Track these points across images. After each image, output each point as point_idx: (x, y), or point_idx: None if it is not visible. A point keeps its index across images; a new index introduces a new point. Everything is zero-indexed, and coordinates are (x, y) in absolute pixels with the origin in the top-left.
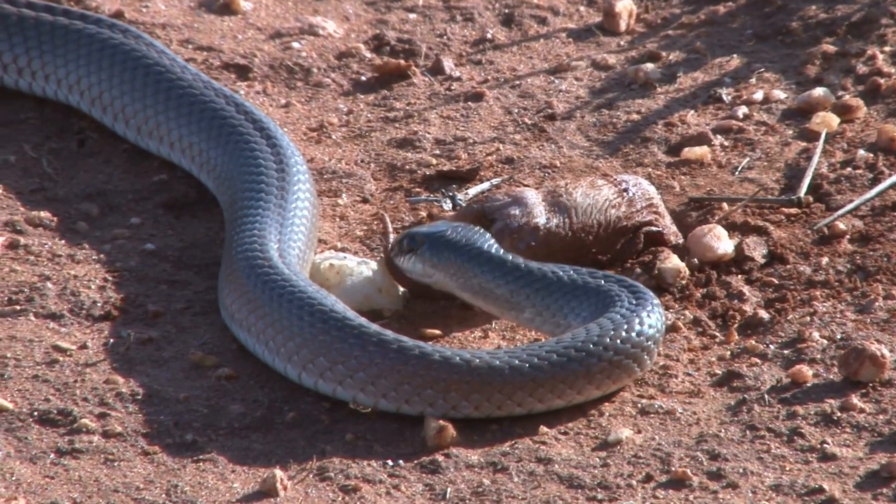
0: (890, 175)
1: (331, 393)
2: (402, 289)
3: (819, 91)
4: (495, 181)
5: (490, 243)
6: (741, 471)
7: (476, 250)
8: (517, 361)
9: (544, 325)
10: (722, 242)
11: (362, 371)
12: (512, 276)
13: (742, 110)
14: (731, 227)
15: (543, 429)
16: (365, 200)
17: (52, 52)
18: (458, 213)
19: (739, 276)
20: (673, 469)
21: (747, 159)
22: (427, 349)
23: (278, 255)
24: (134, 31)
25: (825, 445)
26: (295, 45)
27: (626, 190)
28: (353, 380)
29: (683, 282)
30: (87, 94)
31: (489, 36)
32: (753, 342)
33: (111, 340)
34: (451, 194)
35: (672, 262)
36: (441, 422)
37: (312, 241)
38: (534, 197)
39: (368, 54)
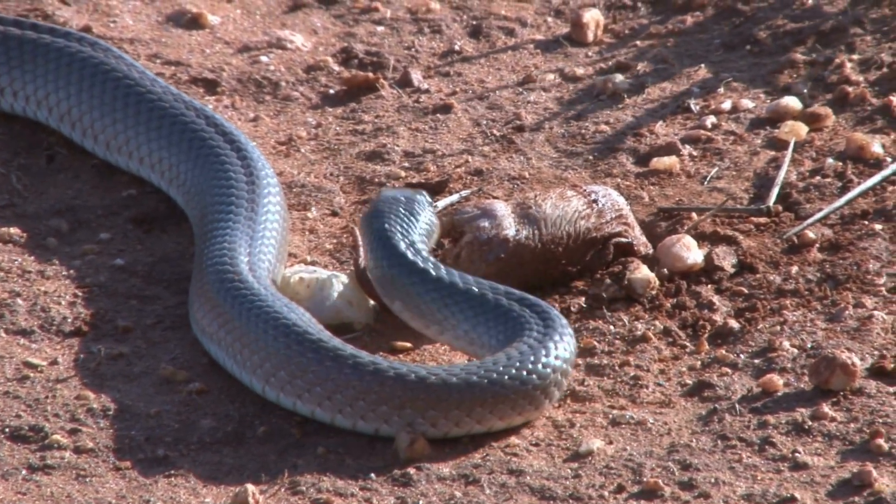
0: (859, 183)
1: (290, 407)
2: (372, 302)
3: (787, 100)
4: (464, 193)
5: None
6: (713, 480)
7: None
8: (475, 378)
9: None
10: (691, 252)
11: (319, 386)
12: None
13: (710, 120)
14: (701, 237)
15: (515, 440)
16: (334, 214)
17: (21, 67)
18: None
19: (709, 286)
20: (645, 479)
21: (716, 169)
22: (382, 365)
23: (248, 268)
24: (102, 44)
25: (797, 454)
26: (263, 58)
27: (595, 201)
28: (311, 394)
29: (653, 292)
30: (55, 109)
31: (457, 48)
32: (724, 352)
33: (82, 356)
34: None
35: (642, 272)
36: (413, 434)
37: (283, 255)
38: (503, 209)
39: (337, 67)
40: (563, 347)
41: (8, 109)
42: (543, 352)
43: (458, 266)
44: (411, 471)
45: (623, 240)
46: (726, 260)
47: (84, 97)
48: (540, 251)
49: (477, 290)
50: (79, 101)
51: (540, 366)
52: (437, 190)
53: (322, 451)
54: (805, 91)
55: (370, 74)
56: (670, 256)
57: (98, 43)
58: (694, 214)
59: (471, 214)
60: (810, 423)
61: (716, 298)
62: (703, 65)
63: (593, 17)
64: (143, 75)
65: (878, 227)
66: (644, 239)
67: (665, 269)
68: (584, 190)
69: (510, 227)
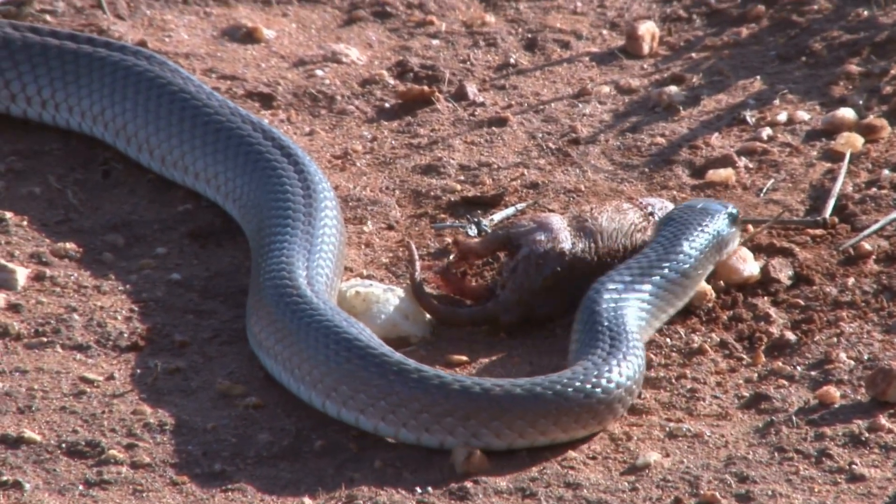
0: None
1: (353, 422)
2: (428, 316)
3: (843, 111)
4: (520, 206)
5: None
6: (770, 493)
7: None
8: (539, 389)
9: None
10: (747, 264)
11: (383, 400)
12: None
13: (766, 132)
14: (757, 249)
15: (572, 454)
16: (390, 227)
17: (76, 82)
18: (484, 239)
19: (766, 298)
20: (702, 492)
21: (772, 181)
22: (447, 378)
23: (307, 282)
24: (158, 57)
25: (853, 466)
26: (318, 72)
27: (651, 213)
28: (375, 408)
29: (710, 304)
30: (111, 125)
31: (512, 61)
32: (780, 364)
33: (138, 371)
34: (476, 220)
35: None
36: (470, 448)
37: (340, 269)
38: (559, 222)
39: (392, 81)
40: (627, 365)
41: (64, 125)
42: (607, 368)
43: (514, 279)
44: (468, 484)
45: None
46: (783, 272)
47: (140, 111)
48: (596, 264)
49: None
50: (134, 116)
51: (605, 381)
52: (492, 203)
53: (379, 465)
54: (860, 102)
55: (425, 88)
56: (726, 268)
57: (154, 56)
58: (750, 226)
59: (527, 228)
60: (867, 434)
61: (772, 310)
62: (758, 76)
63: (648, 30)
64: (199, 89)
65: None
66: None
67: (721, 282)
68: (640, 202)
69: (566, 240)
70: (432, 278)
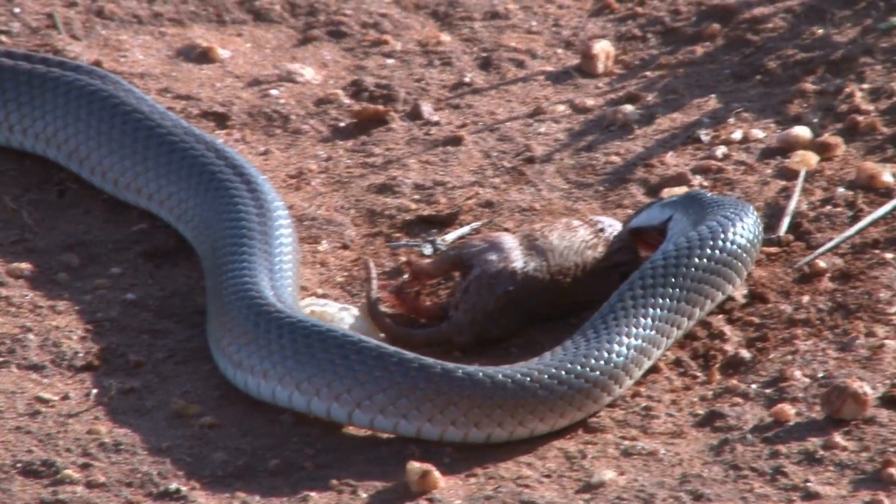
0: (870, 212)
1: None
2: (382, 334)
3: (798, 129)
4: (475, 225)
5: None
6: None
7: None
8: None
9: None
10: None
11: (382, 392)
12: None
13: (721, 150)
14: None
15: (526, 472)
16: (345, 246)
17: (30, 103)
18: (436, 260)
19: (720, 316)
20: None
21: None
22: (448, 366)
23: (277, 300)
24: (112, 77)
25: (808, 484)
26: (273, 92)
27: (601, 230)
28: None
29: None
30: (63, 147)
31: (467, 80)
32: (735, 382)
33: (93, 390)
34: (431, 239)
35: None
36: (424, 466)
37: (297, 287)
38: (510, 241)
39: (347, 100)
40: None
41: (18, 147)
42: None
43: (467, 300)
44: (423, 502)
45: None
46: (737, 290)
47: (92, 133)
48: (548, 282)
49: None
50: (87, 138)
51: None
52: (447, 222)
53: (334, 483)
54: (815, 121)
55: (380, 107)
56: None
57: (108, 76)
58: None
59: (478, 248)
60: (822, 452)
61: (727, 328)
62: (713, 95)
63: (603, 49)
64: (152, 109)
65: (889, 256)
66: None
67: None
68: (591, 220)
69: (518, 259)
70: (387, 297)
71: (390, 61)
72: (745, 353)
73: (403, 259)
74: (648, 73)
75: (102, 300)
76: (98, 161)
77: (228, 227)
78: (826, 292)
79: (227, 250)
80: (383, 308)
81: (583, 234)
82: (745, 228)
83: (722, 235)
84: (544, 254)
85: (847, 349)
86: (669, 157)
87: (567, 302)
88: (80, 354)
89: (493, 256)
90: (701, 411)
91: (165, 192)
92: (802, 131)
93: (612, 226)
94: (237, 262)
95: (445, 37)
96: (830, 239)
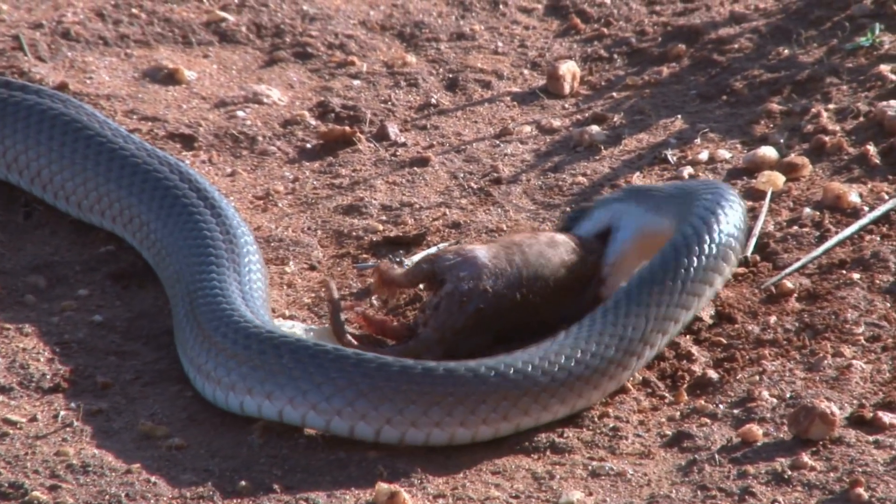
0: (836, 233)
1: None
2: None
3: (764, 150)
4: (441, 246)
5: None
6: None
7: None
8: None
9: None
10: None
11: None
12: None
13: (688, 170)
14: None
15: (494, 492)
16: (312, 268)
17: None
18: (408, 271)
19: (688, 337)
20: None
21: None
22: (453, 366)
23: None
24: (74, 101)
25: None
26: (240, 113)
27: (586, 249)
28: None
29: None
30: (25, 171)
31: (433, 101)
32: (703, 402)
33: (61, 412)
34: (398, 260)
35: None
36: (393, 487)
37: (267, 309)
38: (484, 256)
39: (313, 121)
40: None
41: None
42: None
43: (437, 317)
44: None
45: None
46: (704, 310)
47: (55, 156)
48: (520, 301)
49: None
50: (49, 161)
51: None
52: (414, 243)
53: None
54: (782, 141)
55: (347, 128)
56: None
57: (70, 100)
58: None
59: (452, 262)
60: (790, 472)
61: (694, 349)
62: (679, 115)
63: (569, 69)
64: (115, 132)
65: (855, 276)
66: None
67: None
68: (575, 237)
69: (490, 276)
70: (354, 318)
71: (357, 82)
72: (713, 374)
73: (371, 280)
74: (615, 94)
75: (70, 322)
76: (61, 184)
77: (195, 253)
78: (793, 312)
79: (196, 275)
80: (350, 329)
81: (562, 252)
82: (735, 215)
83: (716, 227)
84: (519, 271)
85: (814, 369)
86: (636, 177)
87: (538, 320)
88: (48, 376)
89: (465, 273)
90: (669, 432)
91: (128, 215)
92: (769, 152)
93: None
94: (209, 288)
95: (411, 58)
96: (797, 259)
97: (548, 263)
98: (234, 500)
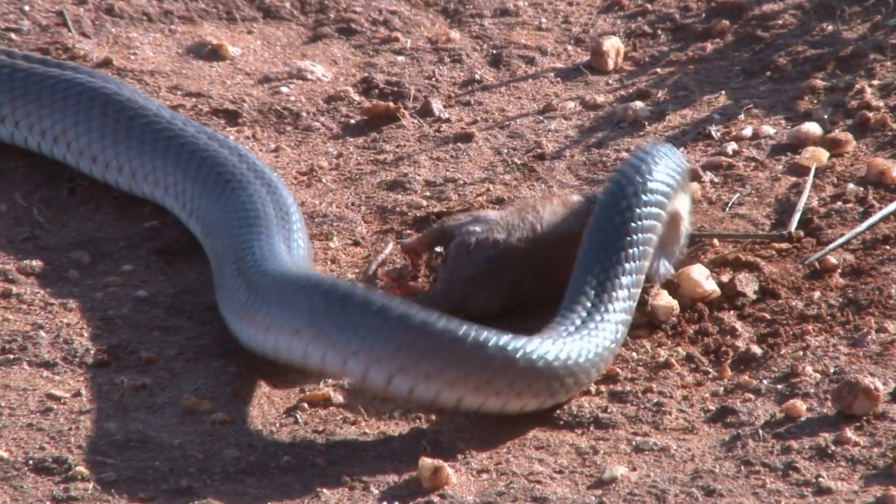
0: (880, 208)
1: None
2: None
3: (808, 126)
4: (471, 211)
5: None
6: None
7: None
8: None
9: None
10: (707, 280)
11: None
12: None
13: (731, 146)
14: (723, 263)
15: (538, 468)
16: (356, 243)
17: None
18: (421, 234)
19: (731, 312)
20: None
21: (737, 195)
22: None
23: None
24: (114, 78)
25: (820, 479)
26: (283, 89)
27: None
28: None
29: (676, 318)
30: (73, 145)
31: (477, 77)
32: (747, 378)
33: (105, 388)
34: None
35: (664, 298)
36: (436, 462)
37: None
38: (495, 214)
39: (357, 97)
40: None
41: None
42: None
43: (445, 269)
44: (435, 499)
45: None
46: (748, 286)
47: (108, 132)
48: (532, 253)
49: None
50: (101, 136)
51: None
52: None
53: (346, 480)
54: (825, 117)
55: (391, 104)
56: (690, 283)
57: (109, 77)
58: (716, 241)
59: (462, 221)
60: (833, 448)
61: (738, 324)
62: (723, 91)
63: (613, 45)
64: (159, 108)
65: None
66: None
67: (684, 296)
68: (591, 195)
69: (501, 230)
70: (383, 276)
71: (400, 58)
72: (757, 349)
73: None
74: (659, 70)
75: (114, 297)
76: (114, 157)
77: (244, 224)
78: (837, 288)
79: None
80: (379, 290)
81: (576, 209)
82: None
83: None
84: (531, 225)
85: (858, 345)
86: (680, 153)
87: (552, 276)
88: (92, 351)
89: (475, 227)
90: (713, 407)
91: (181, 187)
92: (813, 128)
93: None
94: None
95: (455, 34)
96: (841, 235)
97: (562, 219)
98: (278, 476)
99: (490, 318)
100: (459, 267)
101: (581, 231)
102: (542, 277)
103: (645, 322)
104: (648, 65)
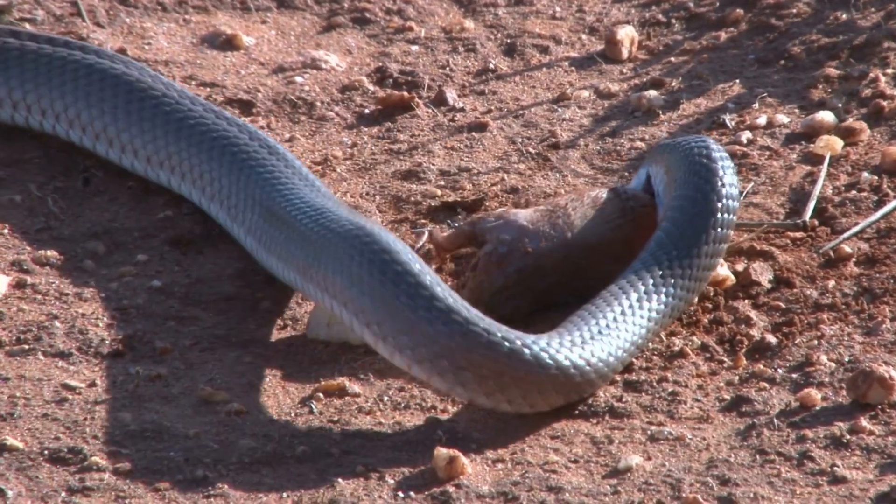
0: (895, 197)
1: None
2: None
3: (822, 114)
4: (500, 211)
5: None
6: (752, 495)
7: None
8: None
9: None
10: (722, 268)
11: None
12: None
13: (746, 135)
14: (737, 252)
15: (553, 457)
16: None
17: (48, 84)
18: (451, 233)
19: (746, 301)
20: (683, 495)
21: (752, 184)
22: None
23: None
24: (135, 62)
25: (835, 468)
26: (298, 79)
27: (633, 208)
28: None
29: (691, 307)
30: (89, 129)
31: (491, 66)
32: (761, 367)
33: (120, 378)
34: (456, 225)
35: None
36: (452, 452)
37: None
38: (525, 218)
39: (371, 87)
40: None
41: (37, 127)
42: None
43: (475, 278)
44: (450, 489)
45: None
46: (763, 275)
47: (121, 114)
48: (564, 262)
49: None
50: (115, 119)
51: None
52: (473, 208)
53: (361, 470)
54: (840, 105)
55: (405, 94)
56: None
57: (131, 62)
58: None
59: (492, 223)
60: (848, 437)
61: (753, 313)
62: (737, 80)
63: (627, 34)
64: (181, 93)
65: None
66: None
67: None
68: (621, 192)
69: (532, 238)
70: None
71: (415, 48)
72: (772, 338)
73: (430, 246)
74: (673, 59)
75: (128, 287)
76: (129, 141)
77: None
78: (851, 277)
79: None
80: None
81: (608, 213)
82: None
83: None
84: (562, 232)
85: (873, 334)
86: None
87: (584, 283)
88: (107, 342)
89: (506, 235)
90: (727, 396)
91: (197, 171)
92: (827, 116)
93: (637, 198)
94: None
95: (469, 23)
96: (856, 224)
97: (593, 225)
98: (294, 465)
99: (518, 322)
100: (490, 278)
101: (613, 236)
102: (572, 285)
103: None
104: (662, 54)
